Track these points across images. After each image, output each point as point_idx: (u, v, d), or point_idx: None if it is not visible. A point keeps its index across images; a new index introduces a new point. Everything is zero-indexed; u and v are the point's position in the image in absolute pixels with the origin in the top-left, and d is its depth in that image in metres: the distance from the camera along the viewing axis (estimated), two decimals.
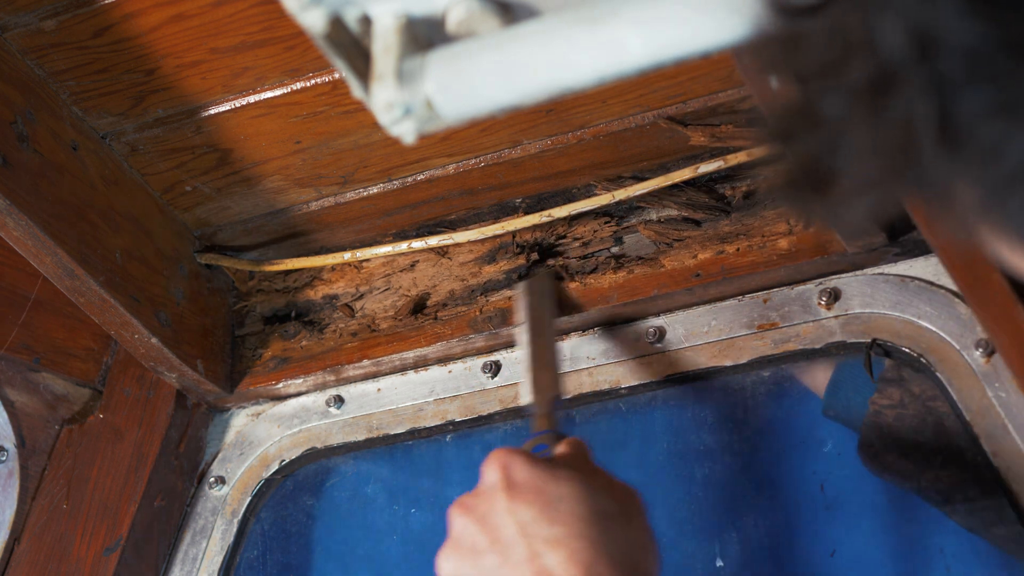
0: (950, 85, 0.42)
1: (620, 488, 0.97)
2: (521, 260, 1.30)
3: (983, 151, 0.43)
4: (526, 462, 0.95)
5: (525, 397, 1.19)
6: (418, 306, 1.33)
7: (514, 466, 0.95)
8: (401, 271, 1.35)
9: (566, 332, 1.29)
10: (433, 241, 1.31)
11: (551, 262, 1.30)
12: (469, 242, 1.32)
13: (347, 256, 1.35)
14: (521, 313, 1.27)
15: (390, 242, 1.34)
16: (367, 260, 1.36)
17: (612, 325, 1.27)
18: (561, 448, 1.01)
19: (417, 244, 1.32)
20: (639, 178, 1.27)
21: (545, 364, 1.21)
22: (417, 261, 1.35)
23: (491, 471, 0.96)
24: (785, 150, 0.50)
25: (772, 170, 0.51)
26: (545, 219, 1.28)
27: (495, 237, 1.30)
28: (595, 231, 1.28)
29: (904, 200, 0.48)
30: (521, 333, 1.26)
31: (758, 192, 1.25)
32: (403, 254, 1.34)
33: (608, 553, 0.90)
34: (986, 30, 0.41)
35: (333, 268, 1.38)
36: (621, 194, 1.25)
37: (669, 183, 1.24)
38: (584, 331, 1.28)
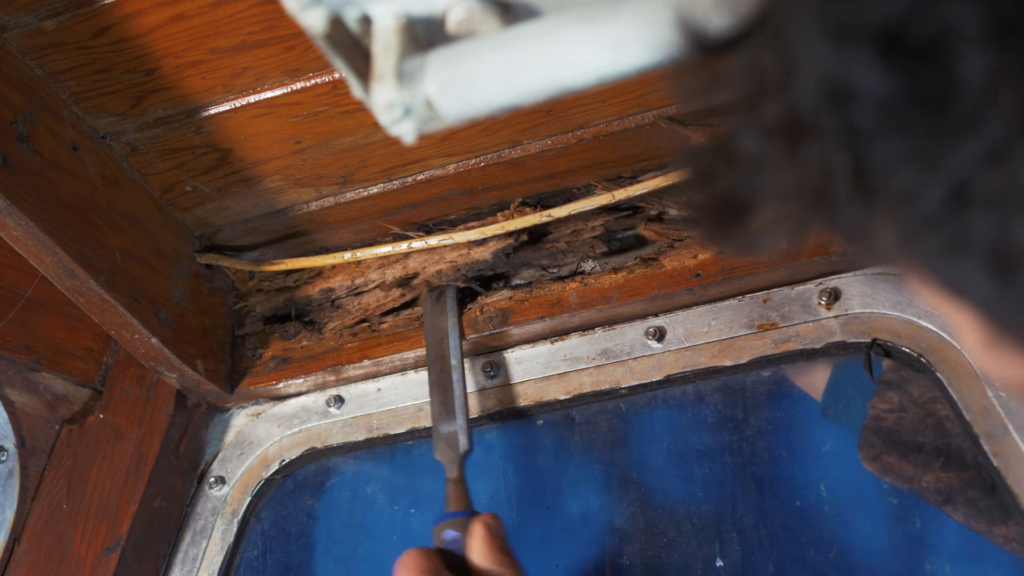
0: (863, 134, 0.43)
1: None
2: (510, 240, 1.29)
3: (897, 198, 0.43)
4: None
5: (434, 449, 1.20)
6: (409, 291, 1.33)
7: None
8: (395, 261, 1.35)
9: (565, 332, 1.29)
10: (433, 241, 1.31)
11: (538, 246, 1.30)
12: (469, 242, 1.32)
13: (347, 256, 1.35)
14: (425, 331, 1.27)
15: (390, 242, 1.34)
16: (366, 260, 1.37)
17: (612, 325, 1.27)
18: (480, 539, 1.04)
19: (417, 244, 1.32)
20: (640, 178, 1.27)
21: (449, 405, 1.21)
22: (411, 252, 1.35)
23: None
24: (703, 184, 0.50)
25: (689, 202, 0.52)
26: (546, 219, 1.28)
27: (496, 237, 1.30)
28: (587, 219, 1.28)
29: (819, 231, 0.49)
30: (428, 367, 1.26)
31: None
32: (404, 254, 1.34)
33: None
34: (898, 83, 0.42)
35: (333, 267, 1.38)
36: (621, 194, 1.25)
37: (669, 183, 1.24)
38: (584, 331, 1.28)
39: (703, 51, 0.48)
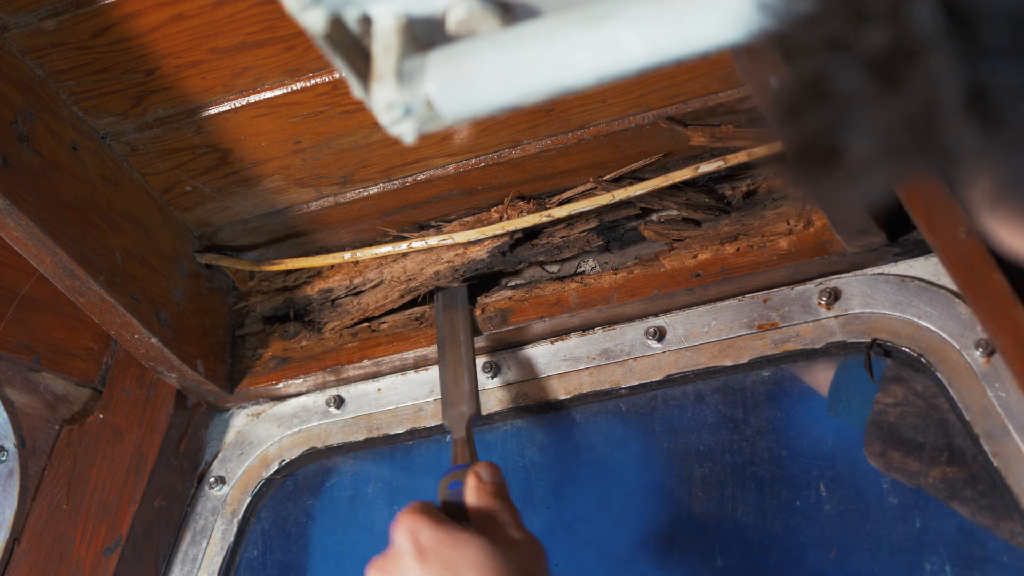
0: (988, 56, 0.40)
1: (523, 544, 1.03)
2: (505, 239, 1.29)
3: (1017, 128, 0.41)
4: (432, 525, 1.02)
5: (442, 414, 1.22)
6: (407, 292, 1.33)
7: (421, 531, 1.02)
8: (393, 261, 1.35)
9: (565, 332, 1.29)
10: (433, 241, 1.31)
11: (534, 243, 1.29)
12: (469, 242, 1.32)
13: (347, 256, 1.35)
14: (437, 326, 1.29)
15: (390, 242, 1.34)
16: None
17: (612, 325, 1.27)
18: (472, 486, 1.07)
19: (417, 244, 1.32)
20: (639, 178, 1.27)
21: (459, 378, 1.24)
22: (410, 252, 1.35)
23: (400, 534, 1.03)
24: (793, 125, 0.47)
25: (778, 150, 0.49)
26: (546, 219, 1.28)
27: (495, 237, 1.30)
28: (583, 213, 1.28)
29: (917, 175, 0.46)
30: (439, 347, 1.28)
31: (758, 192, 1.25)
32: (402, 253, 1.34)
33: None
34: None
35: (332, 267, 1.38)
36: (621, 194, 1.25)
37: (669, 183, 1.24)
38: (584, 331, 1.28)
39: None
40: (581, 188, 1.27)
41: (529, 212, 1.28)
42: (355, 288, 1.36)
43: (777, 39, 0.47)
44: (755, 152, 1.19)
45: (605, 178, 1.26)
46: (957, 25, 0.40)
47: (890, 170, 0.46)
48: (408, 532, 1.02)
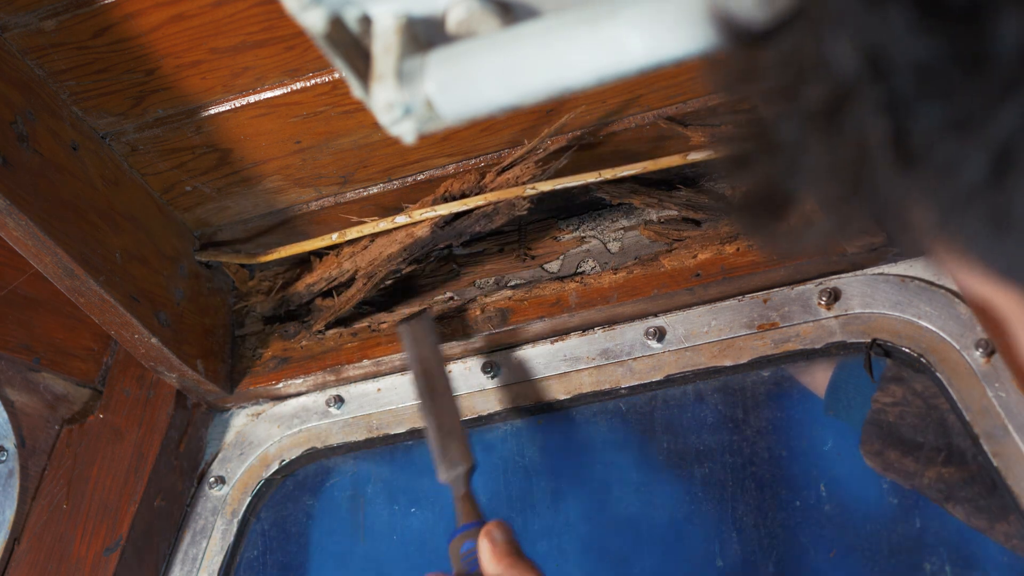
0: (903, 102, 0.42)
1: None
2: (441, 214, 1.28)
3: (938, 169, 0.43)
4: None
5: (438, 472, 1.21)
6: (368, 279, 1.33)
7: None
8: (364, 248, 1.34)
9: (565, 332, 1.29)
10: (417, 214, 1.29)
11: (471, 213, 1.28)
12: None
13: (335, 237, 1.34)
14: (409, 360, 1.28)
15: (354, 225, 1.33)
16: (350, 241, 1.35)
17: (612, 325, 1.27)
18: (487, 551, 1.06)
19: (401, 219, 1.30)
20: (639, 179, 1.27)
21: (448, 430, 1.23)
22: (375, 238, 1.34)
23: None
24: (743, 174, 0.50)
25: (730, 196, 0.51)
26: (531, 191, 1.26)
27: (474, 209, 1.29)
28: (518, 176, 1.26)
29: (862, 221, 0.48)
30: (414, 386, 1.27)
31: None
32: (371, 239, 1.33)
33: None
34: (936, 45, 0.41)
35: (321, 259, 1.37)
36: (608, 173, 1.24)
37: (657, 167, 1.23)
38: (584, 331, 1.28)
39: (739, 42, 0.47)
40: (520, 152, 1.26)
41: (468, 184, 1.27)
42: (333, 279, 1.36)
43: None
44: (714, 154, 1.20)
45: (605, 176, 1.25)
46: (875, 74, 0.42)
47: (834, 217, 0.48)
48: None
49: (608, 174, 1.24)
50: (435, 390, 1.26)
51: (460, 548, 1.10)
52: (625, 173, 1.24)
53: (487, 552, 1.06)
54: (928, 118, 0.42)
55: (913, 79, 0.42)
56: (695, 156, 1.22)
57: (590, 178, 1.25)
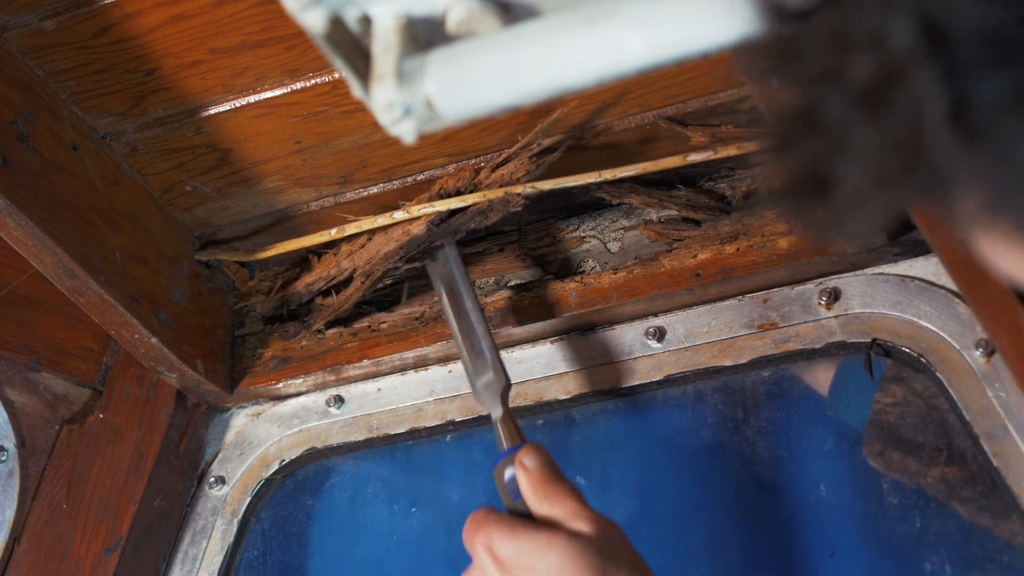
0: (966, 74, 0.41)
1: (598, 526, 0.99)
2: (436, 211, 1.28)
3: (999, 144, 0.41)
4: (506, 535, 0.98)
5: (476, 398, 1.19)
6: (366, 277, 1.33)
7: (497, 543, 0.98)
8: (361, 247, 1.34)
9: (565, 332, 1.29)
10: (415, 210, 1.29)
11: (466, 211, 1.27)
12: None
13: (333, 232, 1.34)
14: (439, 296, 1.27)
15: (372, 214, 1.33)
16: (348, 238, 1.35)
17: (612, 325, 1.27)
18: (523, 480, 1.03)
19: (399, 215, 1.30)
20: (638, 180, 1.27)
21: (480, 351, 1.21)
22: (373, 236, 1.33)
23: (478, 551, 1.00)
24: (786, 158, 0.48)
25: (773, 180, 0.49)
26: (530, 189, 1.26)
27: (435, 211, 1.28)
28: (512, 172, 1.26)
29: (908, 204, 0.47)
30: (447, 319, 1.25)
31: (758, 192, 1.25)
32: (368, 235, 1.33)
33: None
34: (1004, 12, 0.40)
35: (319, 257, 1.37)
36: (608, 174, 1.24)
37: (657, 168, 1.23)
38: (584, 331, 1.28)
39: (780, 20, 0.46)
40: (514, 148, 1.26)
41: (463, 182, 1.27)
42: (332, 278, 1.36)
43: (770, 56, 0.48)
44: (748, 144, 1.19)
45: (605, 177, 1.25)
46: (934, 45, 0.41)
47: (884, 198, 0.46)
48: (485, 548, 0.99)
49: (608, 175, 1.24)
50: (461, 312, 1.24)
51: (504, 476, 1.07)
52: (625, 174, 1.24)
53: (524, 482, 1.03)
54: (992, 90, 0.41)
55: (978, 49, 0.40)
56: (695, 157, 1.22)
57: (590, 179, 1.25)
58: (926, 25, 0.41)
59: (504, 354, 1.31)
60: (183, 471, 1.35)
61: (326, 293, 1.38)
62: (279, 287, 1.39)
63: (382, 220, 1.30)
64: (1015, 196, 0.43)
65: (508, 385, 1.18)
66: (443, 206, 1.27)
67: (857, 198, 0.46)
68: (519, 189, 1.25)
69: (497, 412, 1.15)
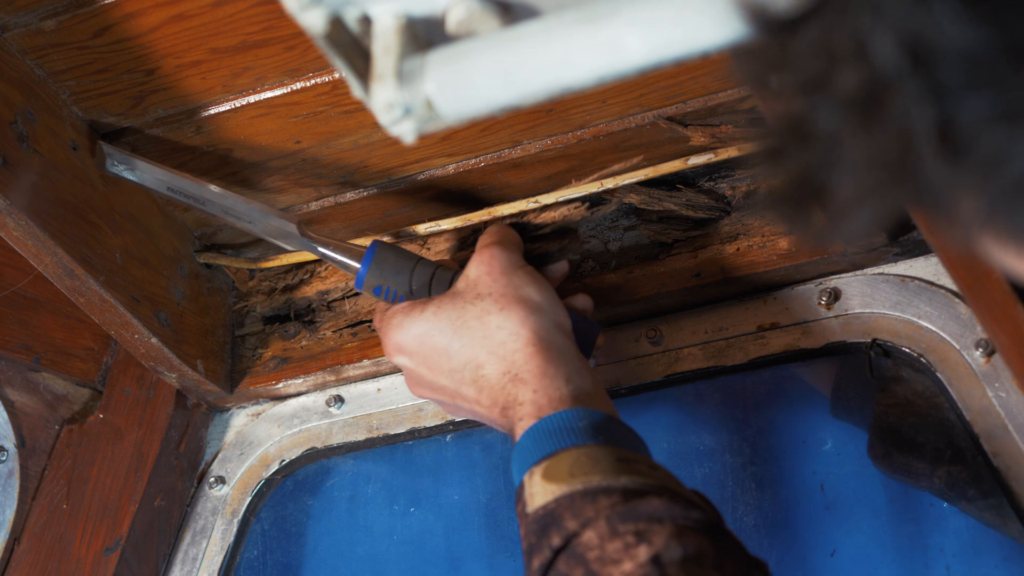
0: (949, 93, 0.41)
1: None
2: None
3: (986, 160, 0.42)
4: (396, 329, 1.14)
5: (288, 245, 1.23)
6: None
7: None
8: None
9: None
10: (422, 228, 1.30)
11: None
12: (456, 228, 1.30)
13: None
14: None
15: (374, 216, 1.33)
16: None
17: (612, 325, 1.27)
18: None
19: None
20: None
21: (255, 211, 1.23)
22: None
23: (394, 360, 1.16)
24: (780, 165, 0.49)
25: (767, 186, 0.50)
26: (532, 205, 1.26)
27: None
28: (565, 215, 1.27)
29: (902, 210, 0.47)
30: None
31: (758, 192, 1.25)
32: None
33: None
34: (985, 34, 0.40)
35: (328, 267, 1.38)
36: (610, 182, 1.24)
37: (657, 174, 1.23)
38: None
39: (768, 29, 0.46)
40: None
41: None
42: (351, 290, 1.36)
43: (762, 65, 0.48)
44: (745, 147, 1.19)
45: (607, 186, 1.25)
46: (916, 64, 0.41)
47: (874, 207, 0.47)
48: (396, 351, 1.15)
49: (610, 183, 1.24)
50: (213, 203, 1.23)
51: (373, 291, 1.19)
52: (627, 181, 1.24)
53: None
54: (975, 109, 0.41)
55: (960, 69, 0.41)
56: (695, 160, 1.22)
57: (592, 188, 1.25)
58: (909, 42, 0.41)
59: None
60: (183, 471, 1.36)
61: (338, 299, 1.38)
62: (281, 290, 1.39)
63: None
64: (1007, 207, 0.43)
65: (301, 222, 1.22)
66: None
67: (850, 205, 0.47)
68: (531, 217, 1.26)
69: (317, 244, 1.21)
